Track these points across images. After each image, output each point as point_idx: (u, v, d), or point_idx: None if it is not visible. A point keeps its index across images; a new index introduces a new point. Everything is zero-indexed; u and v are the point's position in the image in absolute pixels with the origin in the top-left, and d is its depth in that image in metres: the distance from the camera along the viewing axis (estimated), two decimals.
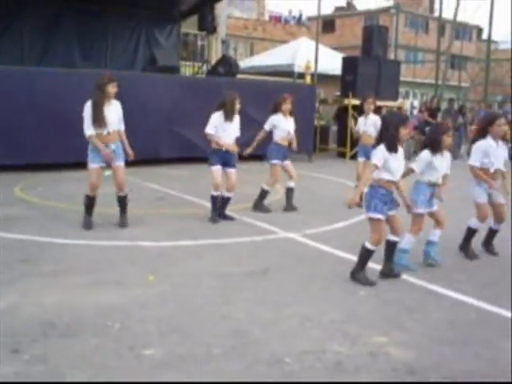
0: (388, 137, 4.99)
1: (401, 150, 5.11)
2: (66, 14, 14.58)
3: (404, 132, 5.03)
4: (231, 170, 7.29)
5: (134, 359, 3.55)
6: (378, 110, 9.01)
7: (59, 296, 4.53)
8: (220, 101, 7.21)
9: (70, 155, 10.33)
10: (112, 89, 6.44)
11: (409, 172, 5.53)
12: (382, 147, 5.01)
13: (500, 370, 3.59)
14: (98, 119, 6.35)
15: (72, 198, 8.26)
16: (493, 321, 4.40)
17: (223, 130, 7.13)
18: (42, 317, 4.08)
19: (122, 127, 6.71)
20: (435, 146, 5.53)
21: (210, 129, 7.15)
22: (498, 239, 6.30)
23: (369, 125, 8.65)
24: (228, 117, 7.13)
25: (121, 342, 3.77)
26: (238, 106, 7.19)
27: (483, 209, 5.96)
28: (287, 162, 8.14)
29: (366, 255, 5.12)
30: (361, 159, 8.75)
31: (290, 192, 8.21)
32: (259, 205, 7.99)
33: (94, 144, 6.39)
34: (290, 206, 8.18)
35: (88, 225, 6.60)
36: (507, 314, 4.51)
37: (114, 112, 6.52)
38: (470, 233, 6.10)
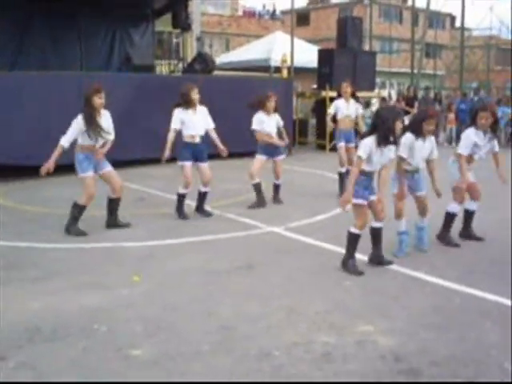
0: (384, 130, 5.03)
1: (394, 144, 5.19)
2: (37, 16, 14.37)
3: (398, 126, 5.10)
4: (203, 165, 7.28)
5: (123, 360, 3.55)
6: (355, 96, 9.02)
7: (44, 301, 4.50)
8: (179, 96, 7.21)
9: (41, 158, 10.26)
10: (98, 100, 6.38)
11: (400, 161, 5.58)
12: (371, 140, 5.06)
13: (484, 351, 3.65)
14: (95, 131, 6.33)
15: (52, 202, 8.20)
16: (475, 304, 4.47)
17: (190, 120, 7.13)
18: (27, 322, 4.05)
19: (112, 136, 6.65)
20: (415, 130, 5.62)
21: (174, 124, 7.18)
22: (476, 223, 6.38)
23: (351, 110, 8.72)
24: (187, 107, 7.12)
25: (108, 343, 3.77)
26: (195, 96, 7.14)
27: (461, 192, 6.00)
28: (277, 158, 8.19)
29: (352, 240, 5.20)
30: (342, 144, 8.79)
31: (277, 187, 8.31)
32: (259, 201, 8.02)
33: (56, 151, 6.33)
34: (276, 199, 8.30)
35: (80, 231, 6.49)
36: (489, 296, 4.58)
37: (105, 123, 6.49)
38: (450, 218, 6.12)
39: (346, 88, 8.80)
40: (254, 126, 8.00)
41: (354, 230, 5.18)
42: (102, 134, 6.39)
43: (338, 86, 9.33)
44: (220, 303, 4.46)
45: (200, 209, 7.48)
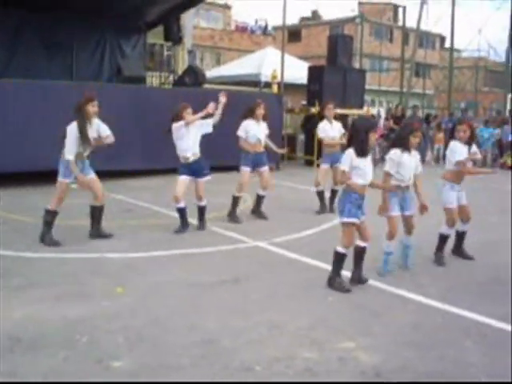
0: (358, 141, 5.08)
1: (369, 155, 5.22)
2: (29, 24, 14.39)
3: (373, 137, 5.14)
4: (200, 180, 7.29)
5: (103, 371, 3.54)
6: (340, 117, 9.11)
7: (25, 310, 4.47)
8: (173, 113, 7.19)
9: (32, 165, 10.27)
10: (92, 108, 6.42)
11: (386, 176, 5.62)
12: (350, 152, 5.10)
13: (463, 370, 3.68)
14: (86, 142, 6.36)
15: (36, 211, 8.14)
16: (457, 323, 4.49)
17: (187, 138, 7.14)
18: (7, 331, 4.02)
19: (112, 139, 6.66)
20: (403, 144, 5.66)
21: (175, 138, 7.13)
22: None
23: (336, 131, 8.76)
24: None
25: (89, 354, 3.75)
26: (188, 116, 7.09)
27: (453, 213, 6.08)
28: (263, 169, 8.17)
29: (338, 259, 5.20)
30: (324, 166, 8.83)
31: (259, 199, 8.28)
32: (232, 214, 8.01)
33: (71, 168, 6.32)
34: (257, 213, 8.24)
35: (54, 241, 6.47)
36: (470, 315, 4.61)
37: (95, 133, 6.51)
38: (442, 240, 6.19)
39: (330, 110, 8.83)
40: (240, 132, 7.99)
41: (340, 249, 5.19)
42: (89, 145, 6.41)
43: (322, 105, 9.43)
44: (203, 317, 4.46)
45: (201, 223, 7.49)
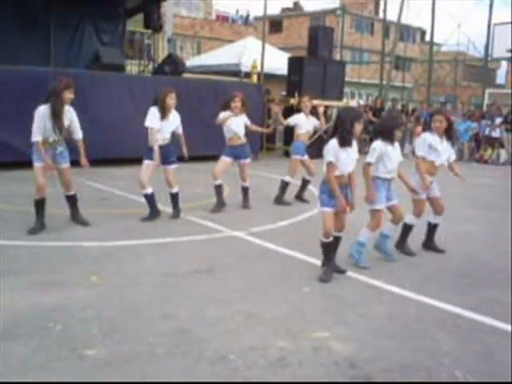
0: (343, 131, 5.08)
1: (354, 144, 5.23)
2: (6, 8, 14.13)
3: (358, 127, 5.15)
4: (168, 167, 7.26)
5: (76, 360, 3.50)
6: (314, 110, 9.11)
7: None
8: (155, 97, 7.14)
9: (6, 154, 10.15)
10: (68, 95, 6.32)
11: (366, 167, 5.62)
12: (333, 142, 5.11)
13: (437, 360, 3.71)
14: (57, 127, 6.27)
15: (12, 198, 8.05)
16: (431, 314, 4.53)
17: (160, 125, 7.06)
18: None
19: (80, 135, 6.62)
20: (388, 137, 5.67)
21: (149, 123, 7.03)
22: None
23: (310, 125, 8.76)
24: (163, 114, 7.03)
25: (62, 343, 3.71)
26: (171, 101, 7.05)
27: (421, 204, 6.12)
28: (242, 161, 8.16)
29: (324, 248, 5.26)
30: (298, 157, 8.82)
31: (245, 190, 8.30)
32: (218, 204, 7.97)
33: (38, 149, 6.25)
34: (244, 203, 8.29)
35: (39, 228, 6.41)
36: (445, 307, 4.66)
37: (66, 120, 6.42)
38: (407, 229, 6.22)
39: (307, 102, 8.72)
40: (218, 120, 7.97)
41: (322, 238, 5.23)
42: (62, 131, 6.33)
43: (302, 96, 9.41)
44: (178, 306, 4.44)
45: (177, 209, 7.48)
